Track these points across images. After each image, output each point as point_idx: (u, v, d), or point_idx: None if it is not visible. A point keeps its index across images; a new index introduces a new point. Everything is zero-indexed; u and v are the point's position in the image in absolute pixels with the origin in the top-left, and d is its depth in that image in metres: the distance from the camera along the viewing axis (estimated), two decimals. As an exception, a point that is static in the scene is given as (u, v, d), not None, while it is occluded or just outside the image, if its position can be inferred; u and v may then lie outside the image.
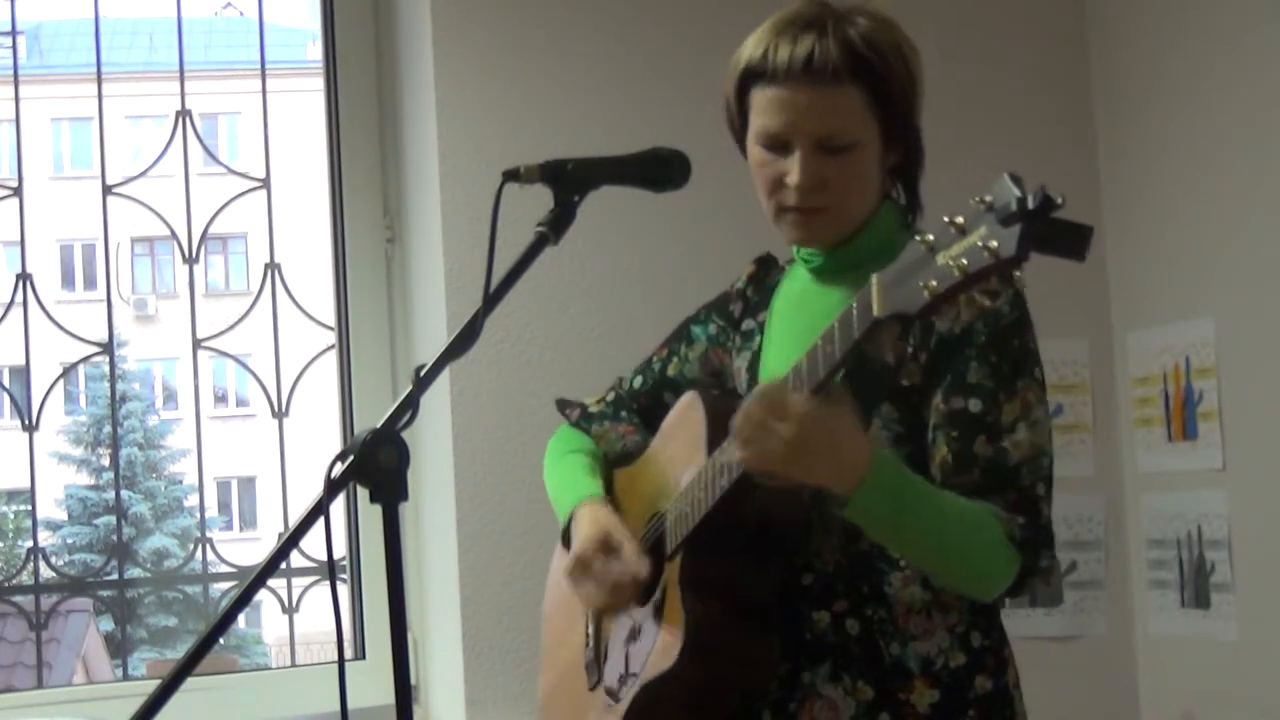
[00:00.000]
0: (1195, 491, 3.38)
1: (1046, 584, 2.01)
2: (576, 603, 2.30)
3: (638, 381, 2.38)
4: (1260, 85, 3.21)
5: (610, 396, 2.40)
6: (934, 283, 1.63)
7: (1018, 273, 1.59)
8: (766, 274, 2.29)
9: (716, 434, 2.03)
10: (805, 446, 1.84)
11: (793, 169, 2.04)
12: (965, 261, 1.59)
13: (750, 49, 2.08)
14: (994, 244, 1.56)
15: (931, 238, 1.64)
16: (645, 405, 2.35)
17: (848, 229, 2.10)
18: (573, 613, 2.32)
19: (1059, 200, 1.53)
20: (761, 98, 2.06)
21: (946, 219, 1.62)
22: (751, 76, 2.07)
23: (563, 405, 2.45)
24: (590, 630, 2.26)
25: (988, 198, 1.57)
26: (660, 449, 2.25)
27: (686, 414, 2.18)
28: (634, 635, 2.13)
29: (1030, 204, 1.52)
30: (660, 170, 2.06)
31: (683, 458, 2.13)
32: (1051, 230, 1.54)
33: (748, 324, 2.26)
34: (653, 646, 2.05)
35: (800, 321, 2.13)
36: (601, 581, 2.13)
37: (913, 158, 2.14)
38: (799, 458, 1.84)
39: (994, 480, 1.97)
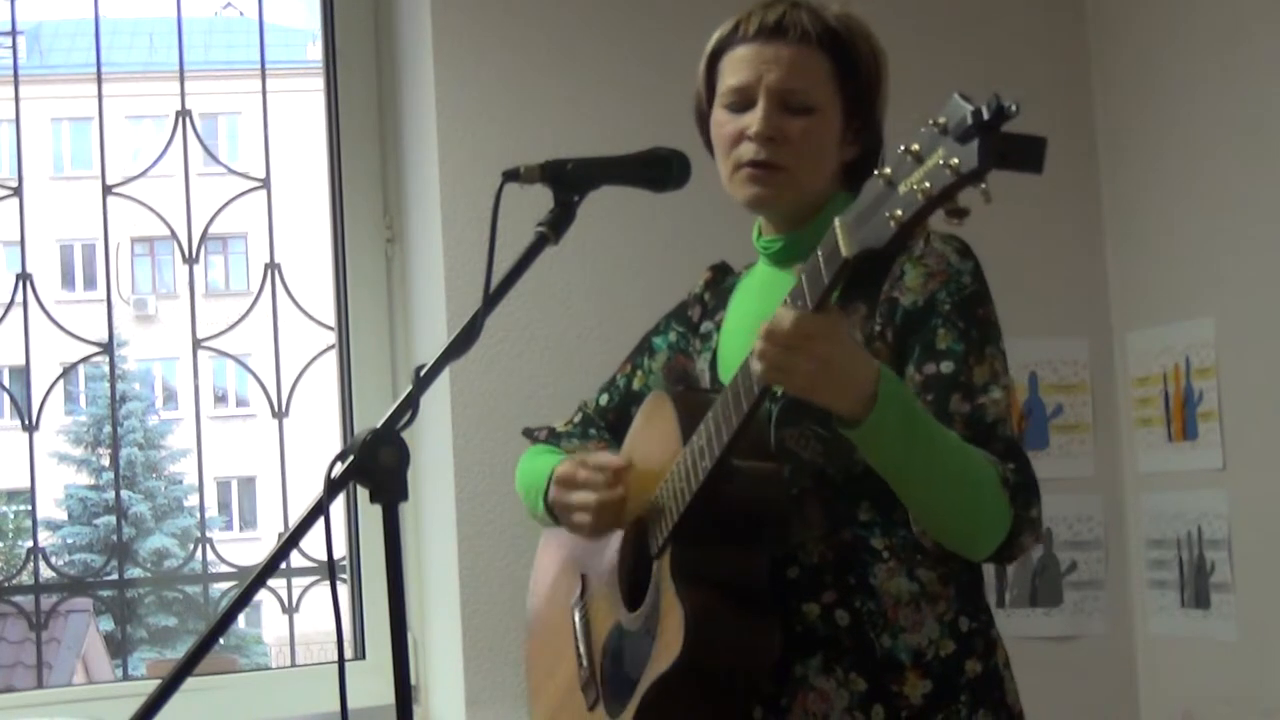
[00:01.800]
0: (1195, 491, 3.38)
1: (1036, 539, 1.97)
2: (563, 625, 2.29)
3: (604, 399, 2.39)
4: (1260, 85, 3.21)
5: (578, 418, 2.41)
6: (899, 211, 1.61)
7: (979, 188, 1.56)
8: (723, 279, 2.32)
9: (689, 425, 2.02)
10: (826, 363, 1.79)
11: (754, 120, 2.08)
12: (929, 184, 1.57)
13: (722, 28, 2.16)
14: (955, 161, 1.54)
15: (889, 171, 1.63)
16: (613, 422, 2.35)
17: (800, 200, 2.11)
18: (561, 637, 2.30)
19: (1013, 108, 1.51)
20: (730, 60, 2.13)
21: (901, 148, 1.61)
22: (721, 48, 2.15)
23: (529, 431, 2.45)
24: (582, 649, 2.24)
25: (941, 119, 1.56)
26: (630, 453, 2.22)
27: (654, 413, 2.17)
28: (630, 642, 2.11)
29: (985, 115, 1.51)
30: (660, 170, 2.07)
31: (656, 456, 2.11)
32: (1007, 143, 1.52)
33: (706, 326, 2.28)
34: (652, 647, 2.03)
35: (762, 309, 2.12)
36: (589, 490, 2.11)
37: (870, 159, 2.15)
38: (820, 374, 1.80)
39: (977, 433, 1.96)
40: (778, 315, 1.81)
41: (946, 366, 1.99)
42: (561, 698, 2.29)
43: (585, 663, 2.23)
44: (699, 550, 2.01)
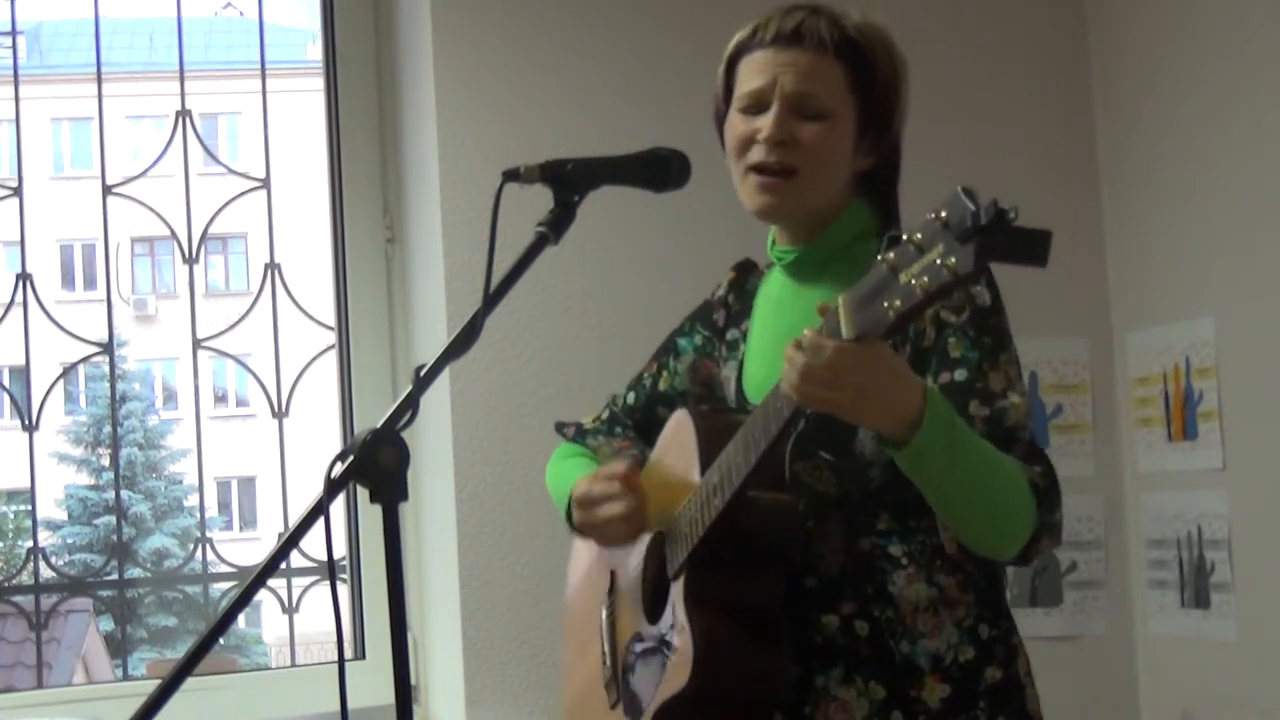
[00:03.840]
0: (1195, 491, 3.38)
1: (1055, 542, 1.98)
2: (593, 614, 2.32)
3: (631, 398, 2.40)
4: (1261, 85, 3.21)
5: (605, 414, 2.43)
6: (898, 302, 1.65)
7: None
8: (746, 279, 2.31)
9: (708, 453, 2.04)
10: (862, 391, 1.81)
11: (766, 124, 2.08)
12: (926, 280, 1.60)
13: (742, 31, 2.16)
14: (952, 261, 1.57)
15: (893, 256, 1.65)
16: (640, 420, 2.37)
17: (810, 209, 2.11)
18: (590, 624, 2.33)
19: (1012, 214, 1.53)
20: (747, 64, 2.13)
21: (905, 237, 1.64)
22: (740, 52, 2.15)
23: (560, 426, 2.48)
24: (606, 648, 2.27)
25: (943, 213, 1.58)
26: (655, 467, 2.25)
27: (678, 433, 2.19)
28: (647, 655, 2.14)
29: (983, 219, 1.53)
30: (660, 170, 2.07)
31: (676, 478, 2.14)
32: (1008, 241, 1.54)
33: (732, 333, 2.28)
34: (664, 668, 2.06)
35: (781, 325, 2.16)
36: (607, 505, 2.15)
37: (888, 168, 2.16)
38: (858, 402, 1.82)
39: (998, 437, 1.97)
40: (812, 346, 1.79)
41: (960, 374, 2.00)
42: (587, 685, 2.32)
43: (608, 662, 2.26)
44: (713, 577, 2.03)
